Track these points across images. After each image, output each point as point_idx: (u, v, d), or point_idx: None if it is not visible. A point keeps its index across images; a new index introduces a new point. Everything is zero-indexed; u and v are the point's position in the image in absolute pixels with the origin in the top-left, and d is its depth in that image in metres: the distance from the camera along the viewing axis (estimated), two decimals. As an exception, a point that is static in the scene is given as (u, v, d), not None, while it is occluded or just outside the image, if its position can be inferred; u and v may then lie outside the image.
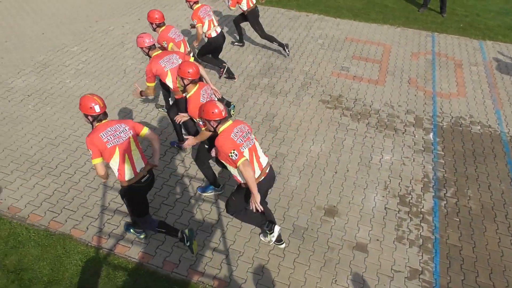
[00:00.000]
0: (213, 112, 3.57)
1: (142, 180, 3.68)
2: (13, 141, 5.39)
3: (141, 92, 4.90)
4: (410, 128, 5.97)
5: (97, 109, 3.44)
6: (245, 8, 6.97)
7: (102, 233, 4.26)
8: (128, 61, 7.30)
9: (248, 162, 3.50)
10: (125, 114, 5.98)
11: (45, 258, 3.97)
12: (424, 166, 5.31)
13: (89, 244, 4.14)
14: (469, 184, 5.07)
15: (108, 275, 3.85)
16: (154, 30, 5.41)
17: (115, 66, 7.14)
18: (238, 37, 8.07)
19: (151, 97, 5.56)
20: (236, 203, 3.89)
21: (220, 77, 6.83)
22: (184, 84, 4.21)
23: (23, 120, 5.76)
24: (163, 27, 5.39)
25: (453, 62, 7.72)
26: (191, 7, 6.19)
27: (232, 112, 5.90)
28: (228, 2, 6.90)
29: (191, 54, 5.74)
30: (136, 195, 3.75)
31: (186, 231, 3.87)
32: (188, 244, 3.85)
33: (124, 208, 4.49)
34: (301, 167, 5.22)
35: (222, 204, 4.62)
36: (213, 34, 6.33)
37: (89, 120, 3.51)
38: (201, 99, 4.17)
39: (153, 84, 4.79)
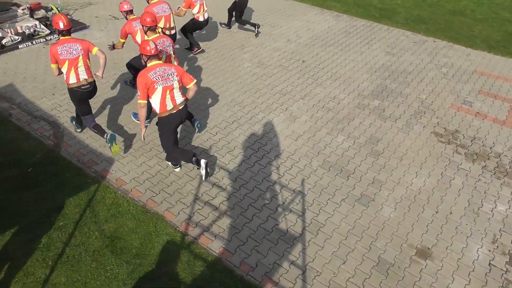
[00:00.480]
0: (144, 48, 4.44)
1: (82, 87, 4.99)
2: (133, 120, 5.95)
3: (114, 45, 6.01)
4: (535, 181, 5.23)
5: (61, 25, 4.78)
6: None
7: (190, 220, 4.47)
8: (245, 63, 7.59)
9: (144, 104, 4.47)
10: (232, 113, 6.21)
11: (137, 232, 4.30)
12: (545, 227, 4.61)
13: (177, 228, 4.37)
14: None
15: (188, 262, 4.03)
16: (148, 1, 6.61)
17: (232, 67, 7.48)
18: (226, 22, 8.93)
19: (119, 49, 6.31)
20: (163, 141, 4.80)
21: (193, 53, 7.76)
22: (145, 31, 5.34)
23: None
24: (153, 2, 6.50)
25: None
26: None
27: (197, 127, 5.26)
28: None
29: (173, 30, 6.76)
30: (76, 96, 5.05)
31: (108, 135, 4.97)
32: (109, 145, 4.97)
33: (215, 201, 4.67)
34: (398, 198, 4.89)
35: (308, 219, 4.54)
36: (201, 19, 7.49)
37: (56, 33, 5.31)
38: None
39: (123, 41, 5.97)
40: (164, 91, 4.45)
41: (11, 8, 8.48)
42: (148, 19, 5.25)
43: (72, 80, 4.93)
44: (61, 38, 4.87)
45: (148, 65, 4.48)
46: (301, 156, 5.46)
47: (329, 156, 5.50)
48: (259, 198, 4.80)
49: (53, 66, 4.89)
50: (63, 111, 6.01)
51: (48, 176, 4.89)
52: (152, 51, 4.45)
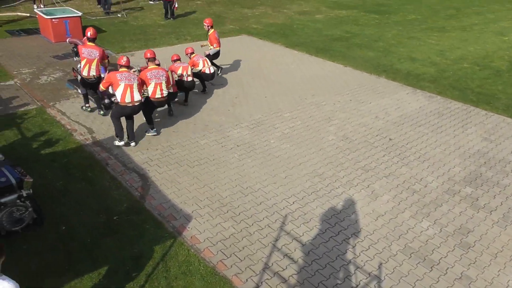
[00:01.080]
0: (120, 59, 6.87)
1: (89, 80, 7.50)
2: (213, 180, 6.18)
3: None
4: None
5: (89, 34, 7.50)
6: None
7: (257, 290, 4.36)
8: (329, 136, 7.63)
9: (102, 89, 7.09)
10: (312, 184, 6.17)
11: (204, 293, 4.28)
12: None
13: (243, 296, 4.28)
14: None
15: (249, 334, 3.87)
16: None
17: (316, 138, 7.55)
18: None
19: None
20: (113, 112, 7.00)
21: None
22: (146, 62, 7.48)
23: (227, 165, 6.58)
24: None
25: None
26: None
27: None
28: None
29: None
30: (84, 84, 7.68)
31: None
32: None
33: (284, 273, 4.54)
34: (490, 302, 4.32)
35: (382, 309, 4.16)
36: (207, 71, 8.85)
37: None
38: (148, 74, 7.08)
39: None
40: (125, 87, 6.58)
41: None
42: (148, 54, 7.33)
43: (84, 73, 7.43)
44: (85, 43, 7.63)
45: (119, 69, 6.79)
46: (380, 238, 5.16)
47: (412, 241, 5.12)
48: (331, 276, 4.55)
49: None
50: (153, 165, 6.46)
51: (130, 226, 5.18)
52: (123, 62, 6.83)
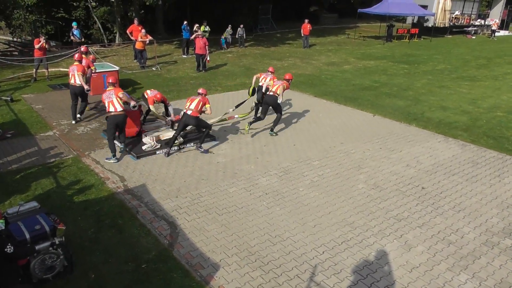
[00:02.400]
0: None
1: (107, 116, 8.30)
2: (242, 228, 6.15)
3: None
4: None
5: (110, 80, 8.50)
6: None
7: None
8: (360, 184, 7.53)
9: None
10: (342, 234, 6.03)
11: None
12: None
13: None
14: None
15: None
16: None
17: (346, 186, 7.47)
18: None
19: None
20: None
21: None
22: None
23: (255, 213, 6.56)
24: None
25: None
26: None
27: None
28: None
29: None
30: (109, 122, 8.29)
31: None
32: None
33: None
34: None
35: None
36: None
37: None
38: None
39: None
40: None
41: (157, 120, 10.12)
42: (110, 80, 8.45)
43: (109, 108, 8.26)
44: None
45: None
46: (415, 292, 4.91)
47: (450, 296, 4.84)
48: (364, 332, 4.32)
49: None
50: (182, 213, 6.52)
51: (158, 274, 5.17)
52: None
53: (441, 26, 32.79)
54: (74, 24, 17.98)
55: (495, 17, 37.18)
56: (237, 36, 23.55)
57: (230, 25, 23.60)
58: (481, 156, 8.89)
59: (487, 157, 8.87)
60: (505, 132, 10.48)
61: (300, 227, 6.19)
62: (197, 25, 19.75)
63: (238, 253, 5.59)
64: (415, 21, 32.71)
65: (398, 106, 12.50)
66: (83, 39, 18.24)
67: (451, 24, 33.91)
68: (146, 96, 9.73)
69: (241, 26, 23.56)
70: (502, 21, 36.64)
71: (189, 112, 8.42)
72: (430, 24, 32.22)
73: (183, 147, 8.96)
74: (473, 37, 33.56)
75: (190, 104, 8.49)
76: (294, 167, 8.17)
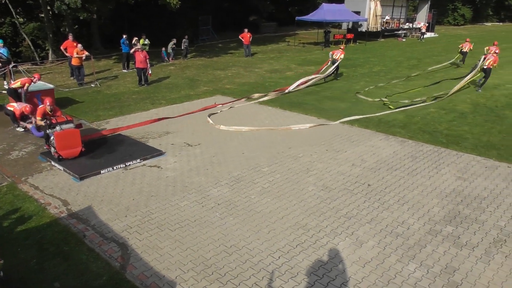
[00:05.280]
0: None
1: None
2: (196, 242, 6.05)
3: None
4: None
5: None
6: None
7: None
8: (309, 187, 7.69)
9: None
10: (296, 237, 6.11)
11: None
12: None
13: None
14: None
15: None
16: None
17: (296, 189, 7.60)
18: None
19: None
20: None
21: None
22: None
23: (209, 225, 6.48)
24: None
25: None
26: None
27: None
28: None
29: None
30: None
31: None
32: None
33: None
34: None
35: None
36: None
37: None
38: None
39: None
40: None
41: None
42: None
43: None
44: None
45: None
46: (369, 285, 5.08)
47: (401, 285, 5.06)
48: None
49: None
50: (133, 232, 6.30)
51: (112, 296, 4.94)
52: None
53: (374, 30, 34.60)
54: (0, 42, 16.91)
55: (421, 20, 39.84)
56: (182, 48, 23.37)
57: (174, 39, 23.35)
58: (419, 151, 9.42)
59: (424, 151, 9.42)
60: (438, 126, 11.20)
61: (254, 234, 6.20)
62: (136, 38, 19.33)
63: (194, 267, 5.49)
64: (350, 26, 34.23)
65: (340, 109, 12.96)
66: (10, 58, 17.16)
67: (383, 28, 35.88)
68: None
69: (186, 37, 23.42)
70: (428, 23, 39.33)
71: None
72: (363, 29, 33.92)
73: (129, 165, 8.68)
74: (404, 40, 35.68)
75: None
76: (245, 175, 8.20)
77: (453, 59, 21.25)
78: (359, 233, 6.19)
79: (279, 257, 5.66)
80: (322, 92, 15.40)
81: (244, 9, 37.76)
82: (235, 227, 6.40)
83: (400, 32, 37.52)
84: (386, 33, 36.41)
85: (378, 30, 35.03)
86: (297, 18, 31.71)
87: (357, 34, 32.52)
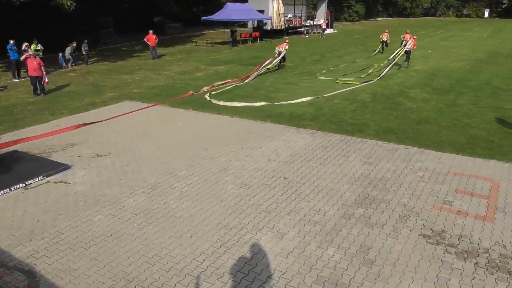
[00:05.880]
0: None
1: None
2: (115, 257, 5.73)
3: None
4: (534, 275, 5.09)
5: None
6: None
7: None
8: (228, 186, 7.71)
9: None
10: (219, 237, 6.09)
11: None
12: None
13: None
14: None
15: None
16: None
17: (215, 190, 7.57)
18: None
19: None
20: None
21: None
22: None
23: (127, 237, 6.18)
24: None
25: None
26: None
27: None
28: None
29: None
30: None
31: None
32: None
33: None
34: (401, 311, 4.61)
35: None
36: None
37: None
38: None
39: None
40: None
41: None
42: None
43: None
44: None
45: None
46: (293, 274, 5.24)
47: (322, 270, 5.30)
48: (253, 327, 4.44)
49: None
50: (41, 257, 5.75)
51: (23, 329, 4.48)
52: None
53: (279, 28, 35.83)
54: None
55: (321, 17, 42.15)
56: (83, 53, 21.94)
57: (74, 42, 21.81)
58: (328, 141, 9.96)
59: (333, 140, 9.98)
60: (343, 116, 11.94)
61: (176, 240, 6.05)
62: (26, 44, 17.67)
63: (114, 284, 5.19)
64: (255, 25, 35.02)
65: (253, 106, 13.19)
66: None
67: (287, 26, 37.28)
68: None
69: (86, 41, 22.03)
70: (327, 20, 41.75)
71: None
72: (269, 27, 34.95)
73: (30, 183, 7.92)
74: (306, 36, 37.44)
75: None
76: (161, 182, 7.96)
77: (378, 49, 25.66)
78: (280, 226, 6.36)
79: (203, 260, 5.59)
80: (234, 90, 15.55)
81: (147, 10, 36.67)
82: (155, 236, 6.19)
83: (303, 29, 39.33)
84: (290, 31, 37.90)
85: (283, 28, 36.34)
86: (203, 18, 31.63)
87: (263, 32, 33.41)
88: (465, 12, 72.74)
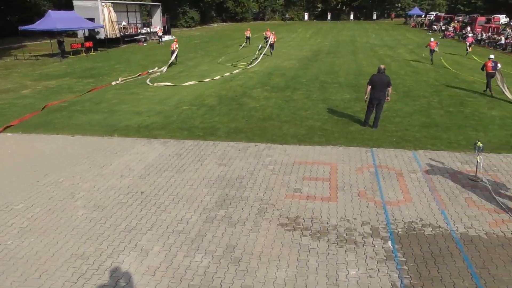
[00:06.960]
0: None
1: None
2: None
3: None
4: (368, 239, 6.01)
5: None
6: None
7: None
8: (79, 211, 7.03)
9: None
10: (75, 270, 5.50)
11: None
12: (390, 275, 5.22)
13: None
14: (436, 287, 4.94)
15: None
16: None
17: (64, 218, 6.82)
18: None
19: None
20: None
21: None
22: None
23: (-44, 294, 5.12)
24: None
25: (394, 172, 8.22)
26: None
27: None
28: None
29: None
30: None
31: None
32: None
33: None
34: (270, 299, 4.88)
35: None
36: None
37: None
38: None
39: None
40: None
41: None
42: None
43: None
44: None
45: None
46: (163, 291, 5.07)
47: (192, 279, 5.26)
48: None
49: None
50: None
51: None
52: None
53: (113, 37, 34.11)
54: None
55: (157, 24, 41.69)
56: None
57: None
58: (182, 148, 9.92)
59: (186, 147, 9.99)
60: (193, 122, 12.05)
61: (22, 285, 5.24)
62: None
63: None
64: (86, 34, 32.64)
65: (95, 121, 12.30)
66: None
67: (122, 34, 35.77)
68: None
69: None
70: (164, 27, 41.52)
71: None
72: (102, 36, 32.95)
73: None
74: (145, 44, 36.60)
75: None
76: None
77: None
78: (143, 243, 6.08)
79: (60, 299, 4.98)
80: (70, 106, 14.23)
81: None
82: (-6, 285, 5.26)
83: (140, 37, 38.29)
84: (126, 39, 36.47)
85: (118, 36, 34.73)
86: (20, 27, 28.02)
87: (97, 42, 31.37)
88: (287, 16, 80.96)
